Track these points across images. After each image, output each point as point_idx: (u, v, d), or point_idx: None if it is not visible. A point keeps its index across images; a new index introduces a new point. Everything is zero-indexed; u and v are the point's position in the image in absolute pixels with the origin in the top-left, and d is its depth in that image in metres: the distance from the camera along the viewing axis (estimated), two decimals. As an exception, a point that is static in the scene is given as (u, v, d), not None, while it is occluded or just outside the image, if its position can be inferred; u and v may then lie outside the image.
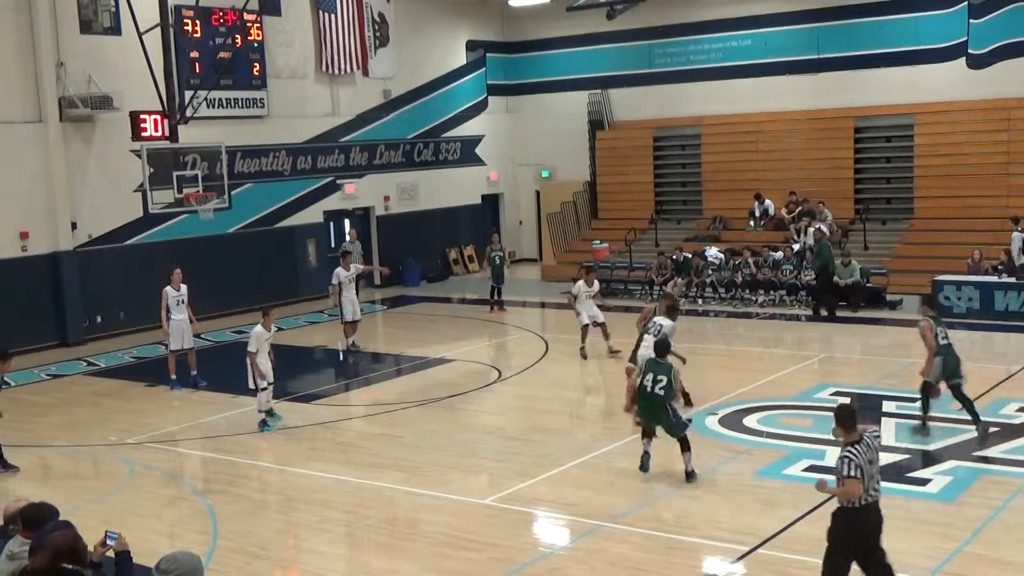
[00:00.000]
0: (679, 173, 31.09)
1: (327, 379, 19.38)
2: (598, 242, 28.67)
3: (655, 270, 25.72)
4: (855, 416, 8.55)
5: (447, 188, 31.75)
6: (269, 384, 15.69)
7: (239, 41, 25.30)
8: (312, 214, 28.14)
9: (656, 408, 12.48)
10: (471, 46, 32.81)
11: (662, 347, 12.94)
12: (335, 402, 17.34)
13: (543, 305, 23.21)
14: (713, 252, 25.77)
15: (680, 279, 25.03)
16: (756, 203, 27.28)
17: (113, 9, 23.29)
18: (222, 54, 24.66)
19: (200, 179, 21.18)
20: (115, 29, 23.33)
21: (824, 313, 22.69)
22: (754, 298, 24.28)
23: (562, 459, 13.43)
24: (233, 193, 22.87)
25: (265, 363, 15.61)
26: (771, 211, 27.34)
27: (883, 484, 8.59)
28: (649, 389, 12.46)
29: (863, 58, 27.66)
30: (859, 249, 25.14)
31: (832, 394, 16.02)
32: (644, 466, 12.66)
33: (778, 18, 28.89)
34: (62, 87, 22.44)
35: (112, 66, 22.90)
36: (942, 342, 13.90)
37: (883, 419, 14.60)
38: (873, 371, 18.13)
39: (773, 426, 14.45)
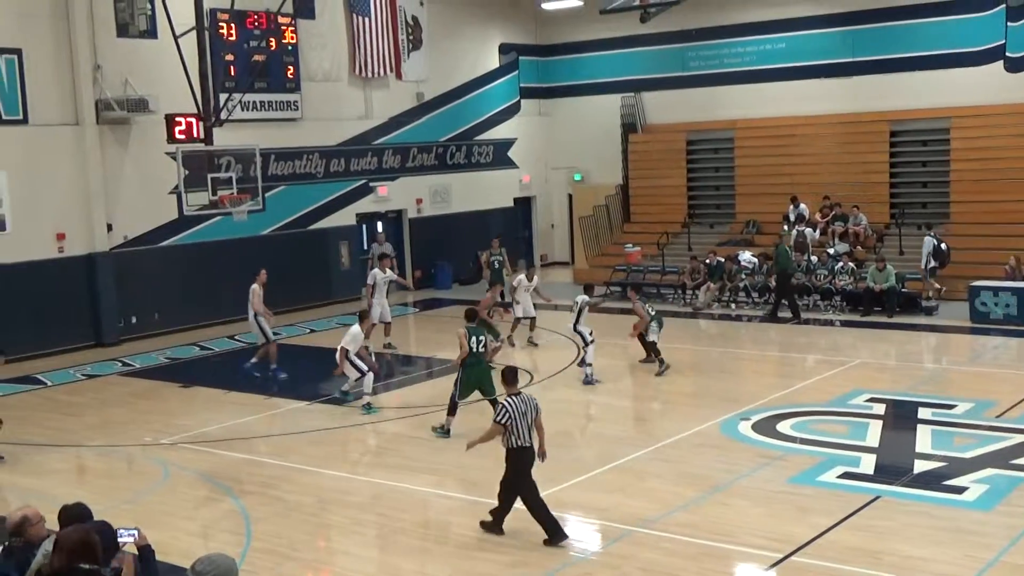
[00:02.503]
0: (712, 177, 30.97)
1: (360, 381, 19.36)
2: (630, 246, 28.59)
3: (688, 274, 25.62)
4: (516, 375, 11.25)
5: (479, 191, 31.78)
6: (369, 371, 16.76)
7: (273, 44, 25.42)
8: (345, 216, 28.25)
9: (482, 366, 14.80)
10: (504, 49, 32.83)
11: (471, 313, 15.66)
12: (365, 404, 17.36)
13: (573, 308, 23.14)
14: (746, 256, 25.64)
15: (713, 283, 24.93)
16: (791, 206, 27.10)
17: (149, 13, 23.45)
18: (256, 57, 24.80)
19: (234, 181, 21.28)
20: (151, 32, 23.49)
21: (790, 316, 23.02)
22: (787, 303, 24.09)
23: (592, 463, 13.40)
24: (267, 195, 22.94)
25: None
26: (806, 215, 27.15)
27: (920, 492, 8.56)
28: (475, 349, 14.75)
29: (898, 61, 27.43)
30: (894, 254, 24.93)
31: (867, 400, 15.91)
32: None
33: (812, 21, 28.71)
34: (99, 90, 22.66)
35: (148, 69, 23.10)
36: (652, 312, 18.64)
37: (918, 426, 14.47)
38: (908, 377, 17.97)
39: (807, 432, 14.35)
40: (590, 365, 18.11)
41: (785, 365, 19.32)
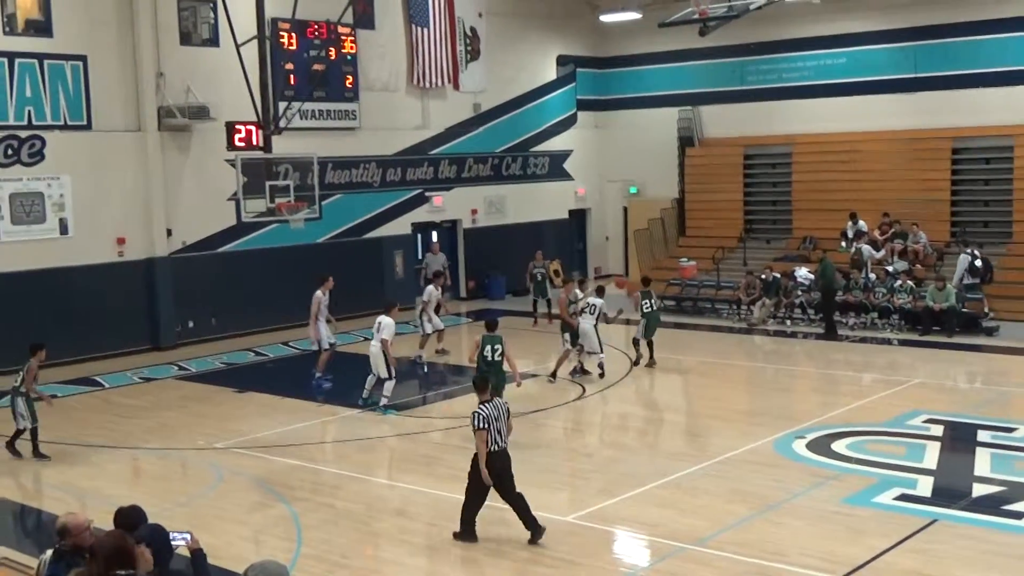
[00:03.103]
0: (769, 192, 30.70)
1: (410, 390, 19.44)
2: (685, 260, 28.41)
3: (743, 289, 25.41)
4: (487, 382, 11.77)
5: (534, 202, 31.78)
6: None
7: (333, 54, 25.64)
8: (400, 226, 28.38)
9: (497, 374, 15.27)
10: (561, 61, 32.83)
11: (492, 323, 16.19)
12: (417, 413, 17.42)
13: (628, 322, 23.11)
14: (803, 272, 25.35)
15: (768, 299, 24.70)
16: (850, 222, 26.78)
17: (212, 21, 23.82)
18: (316, 66, 25.04)
19: (292, 189, 21.45)
20: (213, 41, 23.85)
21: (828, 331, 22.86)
22: (845, 320, 23.83)
23: (645, 478, 13.30)
24: (323, 203, 23.18)
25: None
26: (864, 231, 26.80)
27: (978, 516, 8.38)
28: (489, 357, 15.45)
29: (961, 78, 27.01)
30: (954, 272, 24.51)
31: (925, 421, 15.65)
32: None
33: (874, 36, 28.38)
34: (161, 97, 22.99)
35: (209, 77, 23.40)
36: (646, 310, 20.01)
37: (978, 449, 14.20)
38: (967, 399, 17.67)
39: (862, 452, 14.14)
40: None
41: (841, 383, 19.07)
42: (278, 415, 17.34)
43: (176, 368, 21.44)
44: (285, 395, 18.68)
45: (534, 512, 11.17)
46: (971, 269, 23.58)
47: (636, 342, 20.51)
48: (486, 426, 11.01)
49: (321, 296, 19.43)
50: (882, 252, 25.43)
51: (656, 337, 20.47)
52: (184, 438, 16.03)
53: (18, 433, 15.13)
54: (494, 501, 12.46)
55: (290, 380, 19.99)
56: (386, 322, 17.41)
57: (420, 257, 28.71)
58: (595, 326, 19.31)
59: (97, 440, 15.89)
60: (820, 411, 16.48)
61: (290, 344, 23.58)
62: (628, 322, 22.25)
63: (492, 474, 11.02)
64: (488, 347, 15.60)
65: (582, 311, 19.50)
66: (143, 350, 22.86)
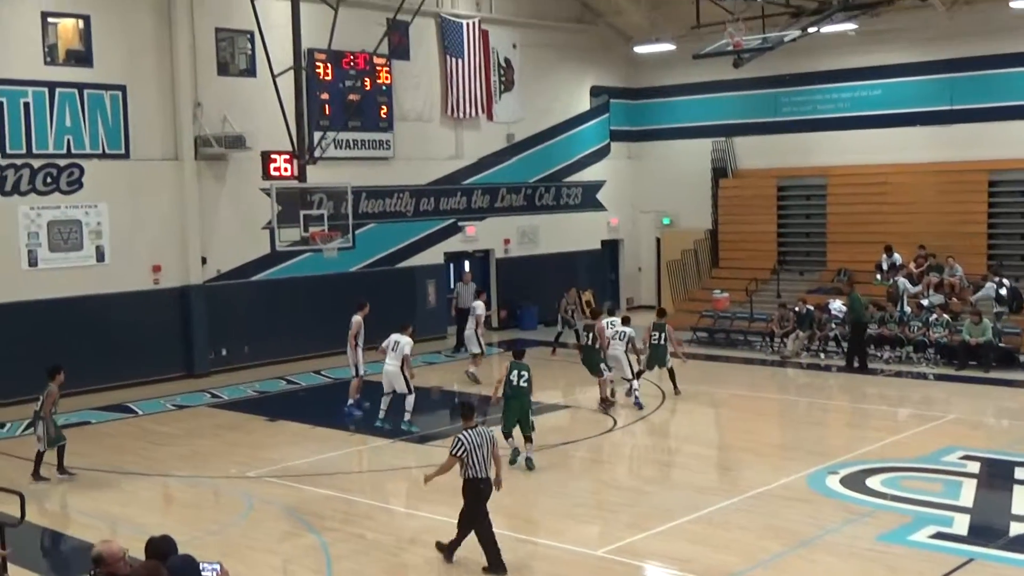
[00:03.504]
0: (803, 223, 30.56)
1: (441, 420, 19.45)
2: (718, 291, 28.32)
3: (776, 322, 25.26)
4: (474, 408, 12.00)
5: (567, 232, 31.81)
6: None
7: (368, 84, 25.86)
8: (433, 255, 28.48)
9: (522, 400, 15.40)
10: (595, 92, 32.93)
11: (520, 351, 16.33)
12: (449, 444, 17.35)
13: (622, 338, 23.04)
14: (837, 305, 25.16)
15: (802, 332, 24.54)
16: (885, 255, 26.60)
17: (249, 52, 24.11)
18: (351, 97, 25.26)
19: (326, 218, 21.62)
20: (250, 71, 24.13)
21: (856, 365, 22.72)
22: (879, 354, 23.64)
23: (676, 512, 13.20)
24: (357, 233, 23.30)
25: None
26: (899, 264, 26.61)
27: (1016, 556, 8.27)
28: (516, 383, 15.43)
29: (997, 110, 26.84)
30: (991, 307, 24.26)
31: (961, 457, 15.45)
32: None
33: (909, 68, 28.27)
34: (198, 126, 23.25)
35: (245, 107, 23.65)
36: (653, 342, 20.01)
37: (1015, 487, 14.00)
38: (1005, 435, 17.45)
39: (897, 489, 13.97)
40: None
41: (876, 418, 18.88)
42: (309, 444, 17.38)
43: (209, 396, 21.56)
44: (317, 424, 18.73)
45: (565, 545, 11.10)
46: (997, 297, 23.50)
47: (639, 375, 20.18)
48: (464, 454, 11.17)
49: (360, 321, 19.57)
50: (919, 287, 25.20)
51: (669, 366, 20.44)
52: (216, 466, 16.10)
53: (39, 457, 15.32)
54: (532, 535, 12.42)
55: (322, 409, 20.06)
56: (404, 340, 17.90)
57: (452, 287, 28.78)
58: (626, 352, 19.45)
59: (130, 467, 15.99)
60: (854, 446, 16.32)
61: (322, 373, 23.67)
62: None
63: (473, 498, 11.19)
64: (515, 372, 15.66)
65: (612, 338, 19.62)
66: (177, 377, 23.01)
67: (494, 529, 11.32)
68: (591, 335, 19.52)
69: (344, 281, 25.71)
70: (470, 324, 22.90)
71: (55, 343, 20.72)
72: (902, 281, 25.03)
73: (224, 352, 23.96)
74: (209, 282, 23.73)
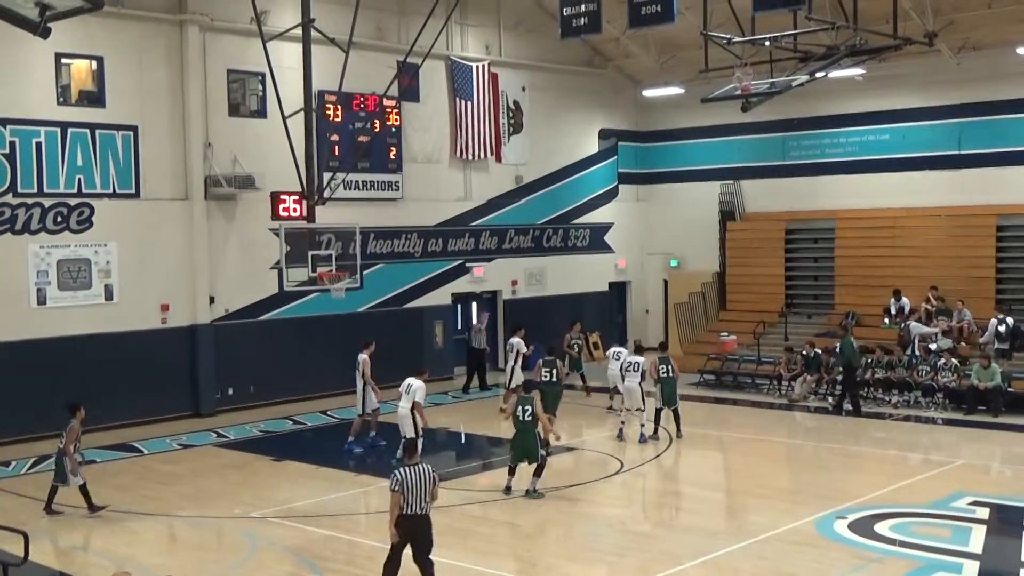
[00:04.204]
0: (811, 267, 30.57)
1: (447, 462, 19.40)
2: (726, 334, 28.27)
3: (784, 365, 25.20)
4: (415, 446, 12.43)
5: (575, 274, 31.86)
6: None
7: (378, 126, 26.05)
8: (440, 296, 28.52)
9: (526, 435, 15.88)
10: (604, 134, 33.10)
11: (528, 386, 17.06)
12: (454, 486, 17.28)
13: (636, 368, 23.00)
14: (845, 349, 25.09)
15: (809, 375, 24.47)
16: (893, 300, 26.58)
17: (260, 94, 24.31)
18: (361, 138, 25.41)
19: (334, 259, 21.70)
20: (261, 113, 24.33)
21: (848, 408, 22.84)
22: (887, 398, 23.56)
23: (682, 557, 13.12)
24: (365, 273, 23.37)
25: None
26: (907, 309, 26.58)
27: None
28: (521, 418, 15.90)
29: (1006, 155, 26.90)
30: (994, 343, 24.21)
31: (970, 503, 15.34)
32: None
33: (918, 113, 28.41)
34: (208, 167, 23.40)
35: (256, 147, 23.81)
36: (662, 375, 20.04)
37: (1025, 533, 13.90)
38: (1015, 481, 17.33)
39: (906, 534, 13.87)
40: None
41: (884, 463, 18.77)
42: (314, 484, 17.34)
43: (215, 435, 21.53)
44: (322, 464, 18.69)
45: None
46: (997, 334, 23.58)
47: (658, 413, 20.52)
48: (399, 489, 11.18)
49: (366, 359, 19.74)
50: (935, 328, 24.95)
51: (675, 407, 20.47)
52: (221, 506, 16.05)
53: (83, 490, 15.45)
54: (509, 574, 12.34)
55: (327, 449, 20.01)
56: (417, 384, 18.02)
57: (459, 328, 28.77)
58: (640, 384, 19.77)
59: (135, 506, 15.94)
60: (863, 491, 16.20)
61: (328, 413, 23.65)
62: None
63: (401, 535, 11.23)
64: (520, 407, 16.12)
65: (625, 370, 20.11)
66: (183, 416, 23.00)
67: (498, 572, 11.25)
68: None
69: (351, 321, 25.74)
70: (511, 360, 23.17)
71: (62, 382, 20.75)
72: (914, 326, 24.91)
73: (231, 392, 23.96)
74: (217, 321, 23.78)
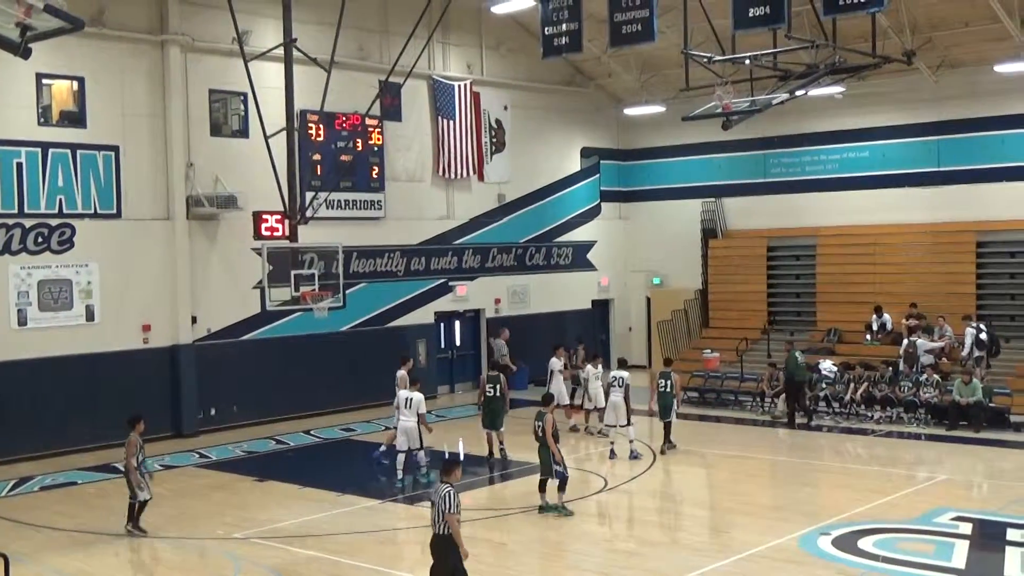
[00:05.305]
0: (793, 284, 30.70)
1: (431, 482, 19.33)
2: (709, 351, 28.33)
3: (766, 382, 25.27)
4: (459, 463, 11.88)
5: (557, 292, 31.90)
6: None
7: (360, 145, 26.08)
8: (423, 315, 28.49)
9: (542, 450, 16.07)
10: (586, 153, 33.21)
11: (547, 399, 17.14)
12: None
13: (651, 413, 23.02)
14: (827, 365, 25.23)
15: (808, 391, 24.49)
16: (874, 316, 26.72)
17: (242, 113, 24.32)
18: (343, 157, 25.44)
19: (316, 278, 21.67)
20: (243, 132, 24.33)
21: (801, 422, 23.46)
22: (870, 414, 23.65)
23: (668, 574, 13.11)
24: (347, 292, 23.34)
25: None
26: (889, 325, 26.72)
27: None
28: (536, 433, 16.11)
29: (985, 172, 27.10)
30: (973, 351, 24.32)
31: (953, 519, 15.39)
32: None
33: (897, 130, 28.58)
34: (190, 186, 23.37)
35: (238, 167, 23.81)
36: (660, 389, 20.60)
37: (1007, 548, 13.95)
38: (997, 496, 17.39)
39: (890, 550, 13.90)
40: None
41: (867, 478, 18.81)
42: (298, 505, 17.27)
43: (197, 456, 21.43)
44: (306, 484, 18.59)
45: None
46: (977, 342, 23.79)
47: (666, 427, 20.88)
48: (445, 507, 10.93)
49: (404, 376, 20.17)
50: (943, 343, 25.00)
51: (672, 420, 20.85)
52: (203, 527, 15.96)
53: (131, 508, 15.48)
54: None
55: (311, 469, 19.94)
56: (418, 398, 18.59)
57: (443, 346, 28.77)
58: (625, 399, 19.94)
59: (117, 528, 15.83)
60: (846, 507, 16.25)
61: (312, 433, 23.57)
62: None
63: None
64: (536, 423, 16.38)
65: (610, 385, 20.20)
66: (165, 437, 22.88)
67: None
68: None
69: (334, 341, 25.73)
70: (557, 380, 23.04)
71: (44, 403, 20.63)
72: (920, 342, 24.83)
73: (213, 412, 23.87)
74: (199, 341, 23.70)
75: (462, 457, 20.70)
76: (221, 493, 18.30)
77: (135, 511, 15.55)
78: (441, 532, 10.84)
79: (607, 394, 20.57)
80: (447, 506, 10.79)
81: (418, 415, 18.49)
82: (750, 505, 16.99)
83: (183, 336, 23.39)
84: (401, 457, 18.64)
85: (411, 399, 18.62)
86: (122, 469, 15.87)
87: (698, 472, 20.02)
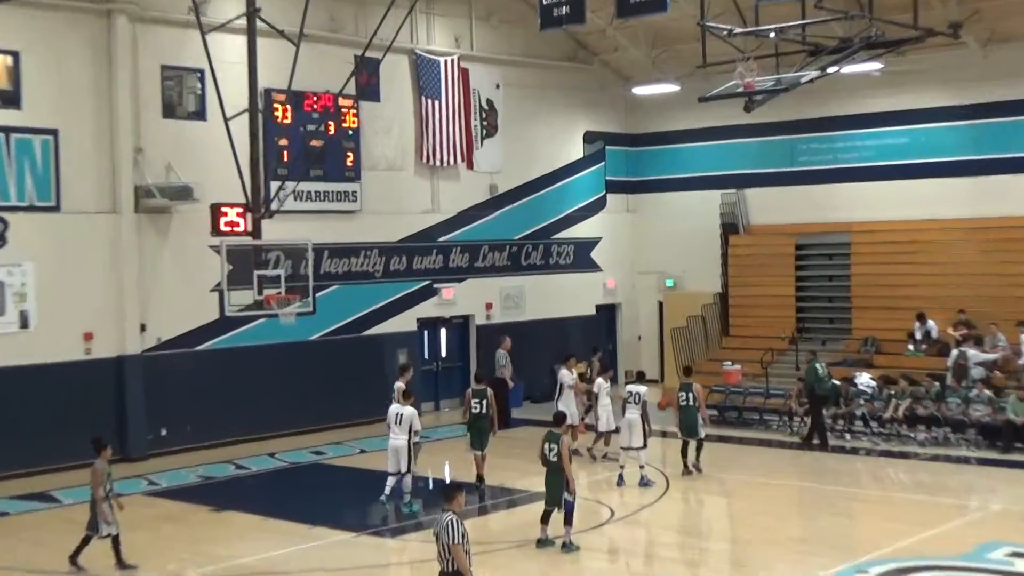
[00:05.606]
0: (825, 286, 30.68)
1: (404, 516, 19.22)
2: (729, 363, 28.30)
3: (795, 398, 25.20)
4: (461, 490, 11.37)
5: (557, 296, 31.86)
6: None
7: (332, 128, 26.00)
8: (404, 321, 28.44)
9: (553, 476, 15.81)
10: (589, 138, 33.20)
11: (559, 418, 16.82)
12: (421, 538, 17.18)
13: (664, 434, 22.92)
14: (864, 379, 25.19)
15: (825, 410, 24.47)
16: (917, 323, 26.68)
17: (199, 92, 24.24)
18: (313, 142, 25.35)
19: (283, 279, 21.58)
20: (199, 114, 24.27)
21: (815, 442, 23.56)
22: (913, 435, 23.60)
23: (683, 618, 13.05)
24: (318, 296, 23.24)
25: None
26: (934, 334, 26.68)
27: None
28: (548, 456, 15.88)
29: (1039, 159, 27.21)
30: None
31: (1008, 554, 15.35)
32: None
33: (940, 113, 28.60)
34: (139, 175, 23.29)
35: (193, 154, 23.75)
36: (681, 403, 20.81)
37: (1070, 587, 13.88)
38: (1057, 528, 17.35)
39: (937, 590, 13.87)
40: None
41: (910, 508, 18.78)
42: (262, 538, 17.19)
43: (146, 483, 21.35)
44: (270, 515, 18.51)
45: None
46: None
47: (685, 448, 20.92)
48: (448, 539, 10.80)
49: (402, 387, 20.05)
50: (997, 354, 24.90)
51: (703, 436, 21.08)
52: (153, 563, 15.86)
53: (85, 541, 15.37)
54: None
55: (277, 497, 19.84)
56: (409, 413, 18.57)
57: (427, 357, 28.72)
58: (643, 416, 20.00)
59: (52, 565, 15.73)
60: (885, 540, 16.19)
61: (277, 456, 23.49)
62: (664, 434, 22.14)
63: None
64: (547, 444, 16.09)
65: (625, 401, 20.24)
66: (109, 461, 22.68)
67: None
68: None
69: (303, 351, 25.65)
70: (567, 397, 22.73)
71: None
72: (971, 353, 24.78)
73: (164, 432, 23.78)
74: (148, 352, 23.61)
75: (448, 482, 20.57)
76: (173, 525, 18.21)
77: (85, 544, 15.37)
78: (448, 569, 10.73)
79: (622, 411, 20.54)
80: (450, 536, 10.64)
81: (414, 432, 18.47)
82: (777, 538, 16.94)
83: (130, 346, 23.29)
84: (391, 481, 18.65)
85: (401, 414, 18.58)
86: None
87: (717, 501, 19.96)
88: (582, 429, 23.12)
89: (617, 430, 21.21)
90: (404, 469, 18.51)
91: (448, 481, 17.17)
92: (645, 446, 20.13)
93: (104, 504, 15.32)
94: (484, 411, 20.34)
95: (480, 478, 20.25)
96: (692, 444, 21.06)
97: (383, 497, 18.64)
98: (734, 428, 25.92)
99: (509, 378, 27.08)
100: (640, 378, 21.17)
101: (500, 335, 28.39)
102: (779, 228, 31.33)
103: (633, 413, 20.09)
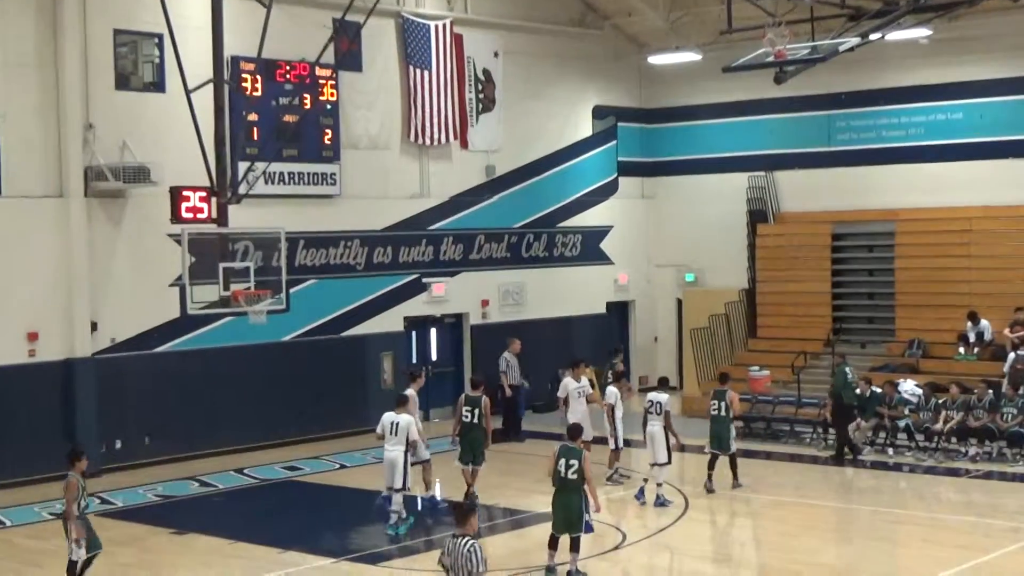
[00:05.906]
0: (865, 281, 30.78)
1: (424, 529, 19.31)
2: (756, 368, 28.39)
3: (830, 408, 25.23)
4: (475, 511, 11.22)
5: (562, 292, 31.93)
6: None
7: (308, 102, 26.00)
8: (389, 320, 28.50)
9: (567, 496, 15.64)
10: (599, 113, 33.24)
11: (574, 431, 16.66)
12: (408, 565, 17.26)
13: (683, 448, 22.94)
14: (909, 386, 25.24)
15: (865, 420, 24.55)
16: (969, 324, 26.74)
17: (157, 61, 24.26)
18: (287, 117, 25.39)
19: (252, 273, 21.65)
20: (158, 85, 24.29)
21: (848, 456, 23.84)
22: (964, 450, 23.66)
23: (703, 654, 13.13)
24: (291, 291, 23.33)
25: None
26: (988, 335, 26.72)
27: None
28: (563, 474, 15.61)
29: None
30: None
31: (1069, 583, 15.43)
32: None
33: (998, 85, 28.64)
34: (89, 155, 23.30)
35: (151, 130, 23.77)
36: (712, 412, 21.06)
37: None
38: (1126, 554, 17.42)
39: (989, 624, 13.95)
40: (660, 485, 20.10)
41: (961, 532, 18.86)
42: (226, 564, 17.26)
43: (97, 501, 21.29)
44: (237, 538, 18.57)
45: None
46: None
47: (712, 460, 21.10)
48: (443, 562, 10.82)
49: (413, 395, 20.18)
50: None
51: (734, 451, 21.21)
52: (105, 593, 15.94)
53: (71, 568, 15.22)
54: None
55: (245, 519, 19.89)
56: (405, 421, 18.64)
57: (414, 360, 28.74)
58: (666, 428, 20.12)
59: (-9, 596, 15.82)
60: (934, 567, 16.27)
61: (245, 472, 23.54)
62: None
63: None
64: (563, 460, 15.89)
65: (647, 411, 20.41)
66: (56, 477, 22.73)
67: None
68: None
69: (275, 353, 25.70)
70: (576, 408, 22.33)
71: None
72: None
73: (118, 445, 23.84)
74: (100, 354, 23.66)
75: (439, 500, 20.62)
76: (129, 549, 18.25)
77: (79, 569, 15.29)
78: None
79: (644, 422, 20.64)
80: (474, 565, 10.46)
81: (413, 443, 18.64)
82: (809, 565, 17.00)
83: (80, 347, 23.34)
84: (397, 498, 18.61)
85: (397, 423, 18.63)
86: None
87: (742, 523, 20.03)
88: (616, 457, 22.32)
89: (628, 443, 21.28)
90: (399, 485, 18.51)
91: (461, 500, 17.09)
92: (669, 461, 20.22)
93: (78, 522, 15.14)
94: (476, 421, 20.39)
95: (470, 491, 20.29)
96: (723, 459, 21.10)
97: (388, 527, 18.61)
98: (762, 441, 25.97)
99: (508, 386, 27.10)
100: (663, 385, 21.23)
101: (507, 336, 28.25)
102: (813, 216, 31.39)
103: (655, 425, 20.19)
